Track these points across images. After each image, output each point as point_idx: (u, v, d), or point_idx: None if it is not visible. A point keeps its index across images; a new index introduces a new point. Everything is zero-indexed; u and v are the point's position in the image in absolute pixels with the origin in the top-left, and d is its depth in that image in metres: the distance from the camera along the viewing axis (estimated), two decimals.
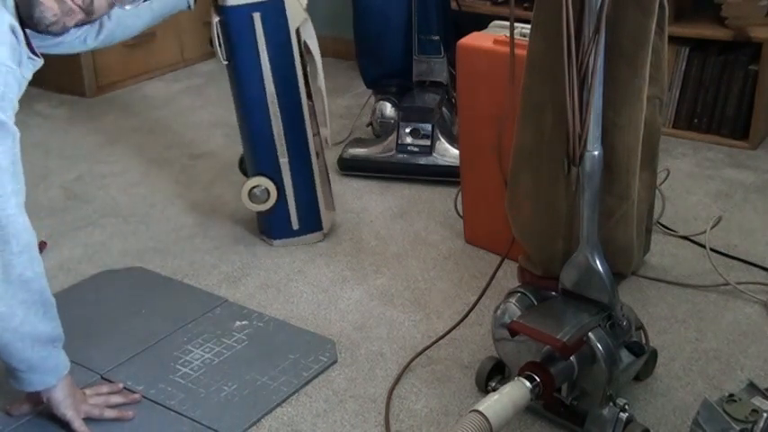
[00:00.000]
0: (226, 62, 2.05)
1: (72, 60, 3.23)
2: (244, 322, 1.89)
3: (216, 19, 2.01)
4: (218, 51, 2.03)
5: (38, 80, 2.99)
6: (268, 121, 2.08)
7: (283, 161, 2.11)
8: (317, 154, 2.17)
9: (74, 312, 1.93)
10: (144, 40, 3.45)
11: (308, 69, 2.11)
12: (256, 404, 1.64)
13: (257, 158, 2.14)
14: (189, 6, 1.96)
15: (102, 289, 2.04)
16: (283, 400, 1.65)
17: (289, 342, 1.82)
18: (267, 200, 2.14)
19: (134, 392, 1.65)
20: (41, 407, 1.57)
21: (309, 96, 2.12)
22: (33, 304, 1.44)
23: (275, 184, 2.13)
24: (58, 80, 3.28)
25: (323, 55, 3.97)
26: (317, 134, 2.16)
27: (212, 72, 3.63)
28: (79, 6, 1.51)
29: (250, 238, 2.23)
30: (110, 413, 1.59)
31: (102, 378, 1.71)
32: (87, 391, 1.61)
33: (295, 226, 2.19)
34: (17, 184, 1.41)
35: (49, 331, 1.48)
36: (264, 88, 2.04)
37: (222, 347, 1.80)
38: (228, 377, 1.71)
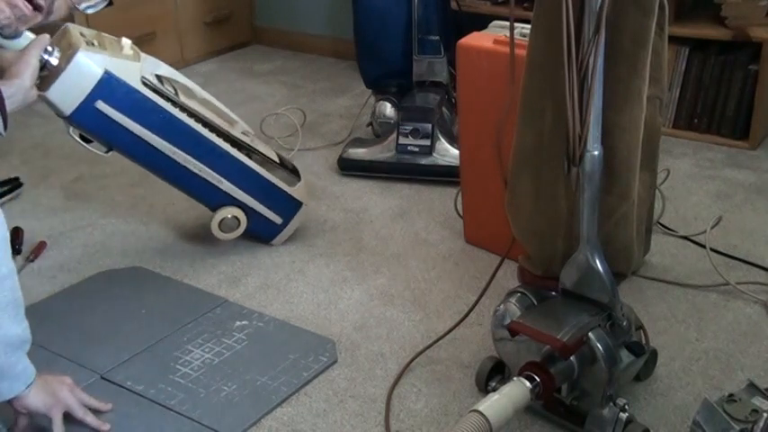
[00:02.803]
0: (108, 153, 1.97)
1: None
2: (244, 322, 1.89)
3: (70, 129, 1.89)
4: (96, 150, 1.95)
5: None
6: (183, 169, 2.00)
7: (225, 185, 2.06)
8: (246, 150, 2.10)
9: (74, 312, 1.93)
10: (144, 39, 3.45)
11: (179, 93, 2.03)
12: (256, 404, 1.64)
13: (204, 199, 2.11)
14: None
15: (102, 289, 2.04)
16: (283, 400, 1.65)
17: (289, 342, 1.82)
18: (239, 224, 2.11)
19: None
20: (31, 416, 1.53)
21: (195, 117, 2.01)
22: (7, 305, 1.38)
23: (236, 206, 2.10)
24: None
25: (322, 55, 3.99)
26: (228, 137, 2.07)
27: (212, 72, 3.63)
28: (36, 10, 1.50)
29: (250, 239, 2.23)
30: (92, 419, 1.56)
31: (102, 378, 1.71)
32: (66, 380, 1.56)
33: (278, 221, 2.17)
34: None
35: (20, 333, 1.42)
36: (156, 148, 1.94)
37: (222, 347, 1.80)
38: (228, 377, 1.71)
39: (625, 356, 1.51)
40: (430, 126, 2.53)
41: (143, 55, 1.97)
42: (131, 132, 1.91)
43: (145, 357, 1.77)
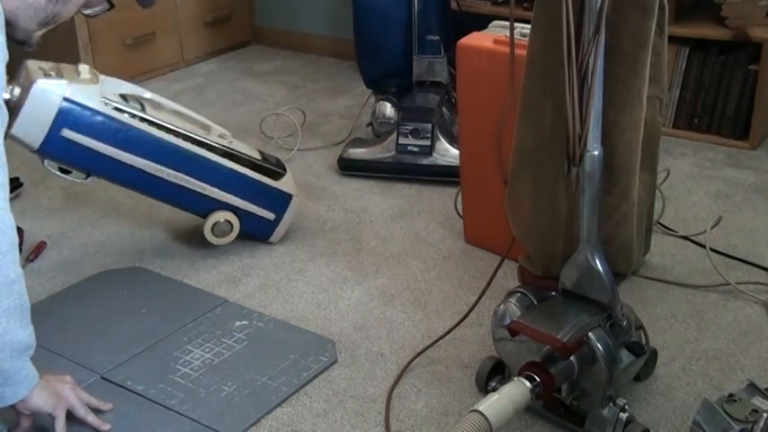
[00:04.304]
0: (86, 178, 1.98)
1: (72, 60, 3.22)
2: (244, 322, 1.89)
3: (45, 162, 1.92)
4: (75, 178, 1.97)
5: None
6: (164, 182, 2.00)
7: (209, 190, 2.06)
8: (225, 153, 2.09)
9: (74, 312, 1.93)
10: (144, 39, 3.45)
11: (146, 108, 2.03)
12: (256, 404, 1.64)
13: (192, 208, 2.11)
14: None
15: (102, 289, 2.04)
16: (283, 400, 1.65)
17: (289, 342, 1.82)
18: (232, 227, 2.12)
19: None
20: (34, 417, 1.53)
21: (166, 129, 2.01)
22: (15, 310, 1.38)
23: (226, 210, 2.10)
24: None
25: (322, 55, 3.99)
26: (204, 143, 2.07)
27: (212, 72, 3.63)
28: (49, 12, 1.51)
29: (249, 239, 2.23)
30: (93, 419, 1.56)
31: (102, 378, 1.71)
32: (67, 378, 1.57)
33: (270, 217, 2.17)
34: (4, 175, 1.37)
35: (26, 339, 1.42)
36: (132, 166, 1.96)
37: (222, 347, 1.80)
38: (228, 377, 1.71)
39: (625, 356, 1.51)
40: (430, 126, 2.53)
41: (102, 77, 1.98)
42: (103, 155, 1.92)
43: (145, 357, 1.77)
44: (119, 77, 3.65)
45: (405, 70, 2.69)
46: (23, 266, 2.14)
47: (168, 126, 2.02)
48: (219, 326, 1.87)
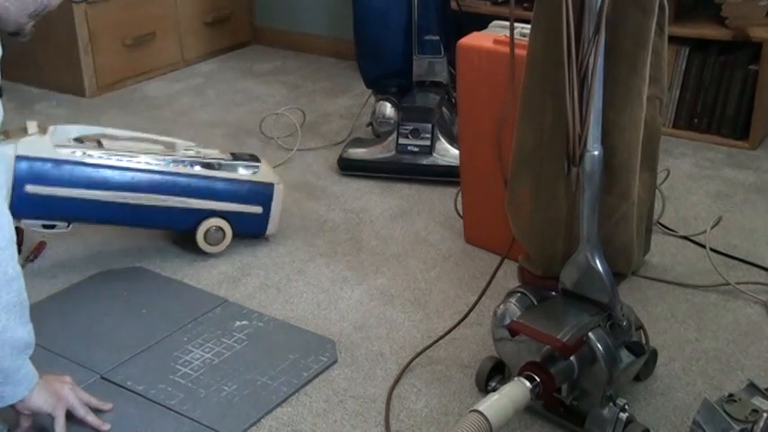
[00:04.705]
0: (68, 227, 2.01)
1: (72, 60, 3.23)
2: (244, 322, 1.89)
3: (23, 222, 1.97)
4: (60, 230, 2.00)
5: (38, 80, 3.00)
6: (149, 209, 2.03)
7: (192, 203, 2.07)
8: (194, 163, 2.11)
9: (74, 312, 1.93)
10: (144, 39, 3.45)
11: (102, 144, 2.05)
12: (256, 404, 1.64)
13: (183, 225, 2.12)
14: None
15: (102, 289, 2.04)
16: (283, 400, 1.65)
17: (289, 342, 1.82)
18: (224, 232, 2.13)
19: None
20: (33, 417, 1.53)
21: (128, 157, 2.04)
22: (14, 307, 1.38)
23: (213, 217, 2.11)
24: (58, 80, 3.28)
25: (322, 55, 4.00)
26: (174, 159, 2.10)
27: (212, 72, 3.63)
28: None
29: (248, 239, 2.23)
30: (93, 419, 1.56)
31: (102, 378, 1.71)
32: (67, 379, 1.57)
33: (258, 211, 2.17)
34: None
35: (25, 337, 1.42)
36: (106, 201, 1.99)
37: (222, 347, 1.80)
38: (228, 377, 1.71)
39: (625, 356, 1.51)
40: (430, 126, 2.54)
41: (51, 127, 2.01)
42: (74, 199, 1.95)
43: (145, 357, 1.77)
44: (119, 77, 3.66)
45: (405, 70, 2.69)
46: (23, 266, 2.14)
47: (130, 153, 2.04)
48: (219, 326, 1.88)
